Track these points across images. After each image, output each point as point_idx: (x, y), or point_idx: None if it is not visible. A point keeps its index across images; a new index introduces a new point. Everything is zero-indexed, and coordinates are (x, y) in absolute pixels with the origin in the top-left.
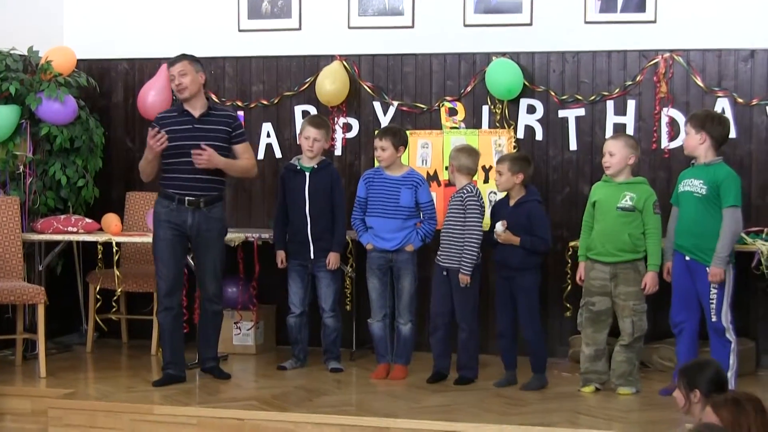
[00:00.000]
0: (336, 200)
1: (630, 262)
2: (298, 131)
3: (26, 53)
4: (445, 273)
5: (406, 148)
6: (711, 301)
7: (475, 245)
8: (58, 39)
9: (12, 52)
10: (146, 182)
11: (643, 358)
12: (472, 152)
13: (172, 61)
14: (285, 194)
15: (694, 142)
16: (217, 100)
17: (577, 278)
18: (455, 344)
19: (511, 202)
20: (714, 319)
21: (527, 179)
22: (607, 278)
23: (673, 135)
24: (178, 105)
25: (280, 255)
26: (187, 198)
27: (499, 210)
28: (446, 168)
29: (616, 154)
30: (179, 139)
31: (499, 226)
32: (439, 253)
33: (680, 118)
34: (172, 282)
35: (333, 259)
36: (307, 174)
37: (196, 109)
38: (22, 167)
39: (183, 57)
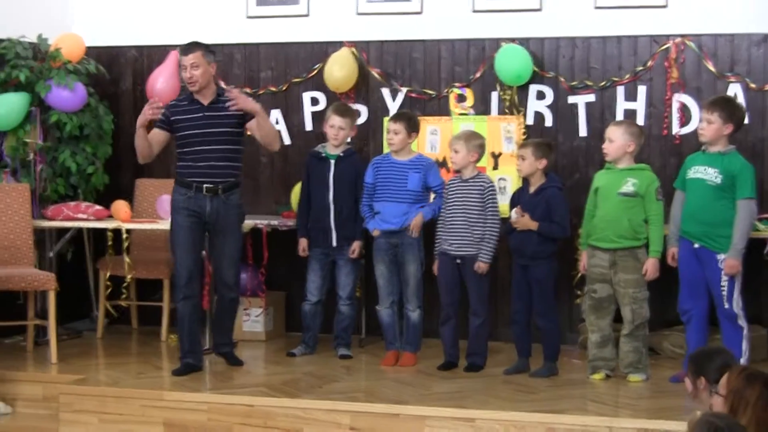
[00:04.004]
0: (360, 189)
1: (629, 249)
2: (307, 116)
3: (36, 41)
4: (458, 261)
5: (417, 135)
6: (722, 288)
7: (498, 235)
8: (68, 26)
9: (21, 39)
10: (142, 164)
11: (653, 345)
12: (477, 134)
13: (185, 50)
14: (309, 181)
15: (719, 132)
16: (225, 87)
17: (580, 267)
18: (464, 332)
19: (531, 189)
20: (726, 306)
21: (549, 166)
22: (606, 266)
23: (684, 121)
24: (188, 93)
25: (303, 243)
26: (205, 185)
27: (519, 197)
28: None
29: (615, 140)
30: (190, 128)
31: (514, 214)
32: (447, 241)
33: (691, 104)
34: (190, 270)
35: (357, 248)
36: (332, 162)
37: (206, 97)
38: (32, 154)
39: (196, 47)
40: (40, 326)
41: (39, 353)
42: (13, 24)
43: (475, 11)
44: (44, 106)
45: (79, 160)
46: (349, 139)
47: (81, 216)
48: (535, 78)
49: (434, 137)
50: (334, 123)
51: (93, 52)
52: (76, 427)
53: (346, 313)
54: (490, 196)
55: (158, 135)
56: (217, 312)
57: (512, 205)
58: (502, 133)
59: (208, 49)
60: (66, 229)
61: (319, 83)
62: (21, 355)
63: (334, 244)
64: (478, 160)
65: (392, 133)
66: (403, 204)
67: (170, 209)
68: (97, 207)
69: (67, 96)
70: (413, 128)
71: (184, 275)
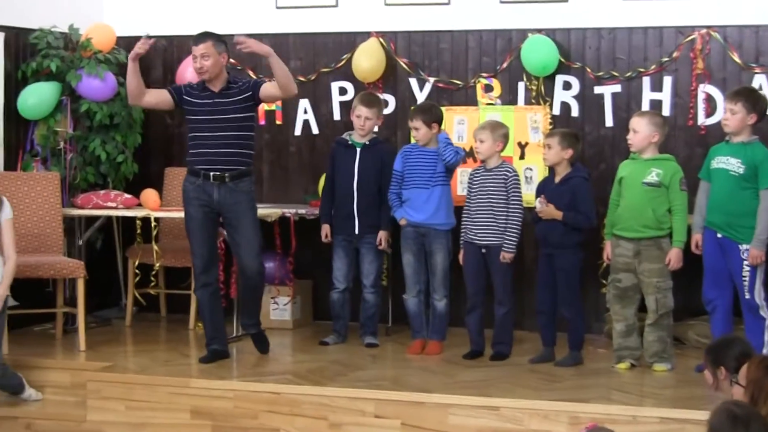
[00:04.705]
0: (386, 178)
1: (653, 239)
2: (337, 108)
3: (67, 31)
4: (483, 251)
5: (440, 123)
6: (744, 279)
7: (521, 224)
8: (98, 16)
9: (53, 29)
10: (132, 104)
11: (678, 334)
12: (502, 123)
13: (195, 40)
14: (334, 168)
15: (743, 122)
16: (258, 77)
17: (604, 257)
18: (490, 321)
19: (557, 179)
20: (747, 296)
21: (575, 156)
22: (630, 255)
23: (710, 111)
24: (201, 80)
25: (325, 229)
26: (212, 173)
27: (545, 187)
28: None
29: (639, 131)
30: (200, 114)
31: (538, 203)
32: (473, 231)
33: (717, 95)
34: (207, 259)
35: (384, 238)
36: (358, 149)
37: (216, 85)
38: (62, 143)
39: (207, 37)
40: (69, 314)
41: (67, 341)
42: (44, 14)
43: (502, 2)
44: (75, 95)
45: (108, 149)
46: (376, 129)
47: (110, 204)
48: (562, 68)
49: (461, 127)
50: (361, 113)
51: (123, 41)
52: (103, 414)
53: (371, 302)
54: (513, 185)
55: (161, 92)
56: (242, 296)
57: (538, 194)
58: (529, 123)
59: (219, 39)
60: (95, 218)
61: (347, 73)
62: (50, 342)
63: (357, 231)
64: (502, 150)
65: (414, 130)
66: (429, 189)
67: (182, 200)
68: (127, 195)
69: (97, 85)
70: (432, 119)
71: (199, 265)
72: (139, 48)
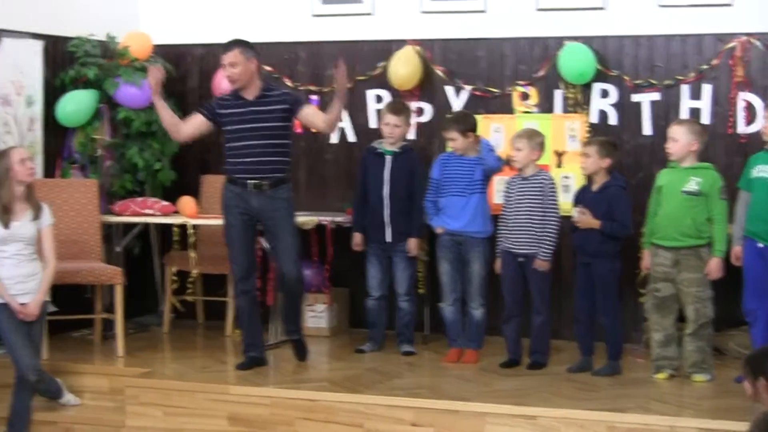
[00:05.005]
0: (416, 186)
1: (692, 248)
2: (371, 114)
3: (104, 39)
4: (521, 259)
5: (475, 131)
6: None
7: (556, 232)
8: (135, 25)
9: (91, 38)
10: (176, 140)
11: (718, 345)
12: (538, 131)
13: (224, 48)
14: (365, 177)
15: None
16: (291, 84)
17: (642, 266)
18: (527, 330)
19: (594, 187)
20: None
21: (613, 165)
22: (669, 264)
23: (750, 119)
24: (235, 89)
25: (357, 237)
26: (250, 181)
27: (582, 195)
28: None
29: (678, 140)
30: (236, 123)
31: (575, 212)
32: (510, 240)
33: (757, 103)
34: (246, 266)
35: (413, 245)
36: (389, 157)
37: (250, 93)
38: (100, 151)
39: (235, 45)
40: (108, 320)
41: (106, 347)
42: (82, 22)
43: (539, 9)
44: (112, 103)
45: (146, 157)
46: (413, 136)
47: (148, 211)
48: (599, 76)
49: (498, 135)
50: (389, 121)
51: (160, 50)
52: (141, 420)
53: (406, 309)
54: (550, 194)
55: (196, 118)
56: (282, 303)
57: (575, 203)
58: (566, 131)
59: (248, 46)
60: (133, 225)
61: (383, 81)
62: (88, 348)
63: (389, 239)
64: (539, 158)
65: (450, 141)
66: (466, 197)
67: (221, 208)
68: (164, 203)
69: (134, 93)
70: (466, 128)
71: (238, 272)
72: (152, 82)
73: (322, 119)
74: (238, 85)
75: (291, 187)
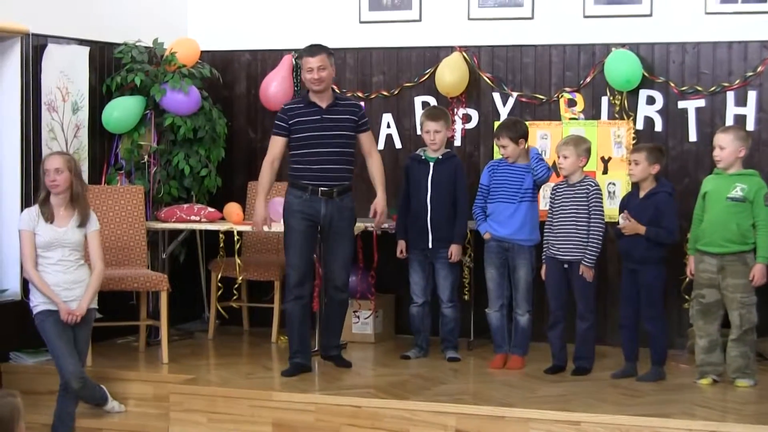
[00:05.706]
0: (459, 192)
1: (737, 254)
2: (418, 123)
3: (151, 45)
4: (566, 266)
5: (526, 138)
6: None
7: (601, 238)
8: (182, 31)
9: (138, 44)
10: None
11: (762, 350)
12: (584, 138)
13: (310, 52)
14: (408, 184)
15: None
16: (338, 91)
17: (687, 272)
18: (572, 336)
19: (641, 194)
20: None
21: (661, 171)
22: (714, 270)
23: None
24: (304, 96)
25: (401, 244)
26: (320, 188)
27: (629, 202)
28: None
29: (726, 147)
30: (308, 130)
31: (621, 219)
32: (555, 246)
33: None
34: (303, 271)
35: (455, 251)
36: (432, 164)
37: (323, 100)
38: (146, 157)
39: (321, 49)
40: (152, 327)
41: (150, 353)
42: (129, 29)
43: (585, 17)
44: (159, 109)
45: (192, 163)
46: (457, 143)
47: (194, 218)
48: (645, 83)
49: (544, 142)
50: (429, 128)
51: (207, 56)
52: (185, 426)
53: (450, 316)
54: (595, 200)
55: (278, 143)
56: (326, 314)
57: (621, 209)
58: (612, 137)
59: (330, 52)
60: (179, 231)
61: (430, 88)
62: (133, 355)
63: (431, 245)
64: (585, 165)
65: (501, 148)
66: (515, 204)
67: (283, 211)
68: (210, 209)
69: (181, 99)
70: (518, 135)
71: (295, 277)
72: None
73: (375, 158)
74: (323, 87)
75: (353, 196)
